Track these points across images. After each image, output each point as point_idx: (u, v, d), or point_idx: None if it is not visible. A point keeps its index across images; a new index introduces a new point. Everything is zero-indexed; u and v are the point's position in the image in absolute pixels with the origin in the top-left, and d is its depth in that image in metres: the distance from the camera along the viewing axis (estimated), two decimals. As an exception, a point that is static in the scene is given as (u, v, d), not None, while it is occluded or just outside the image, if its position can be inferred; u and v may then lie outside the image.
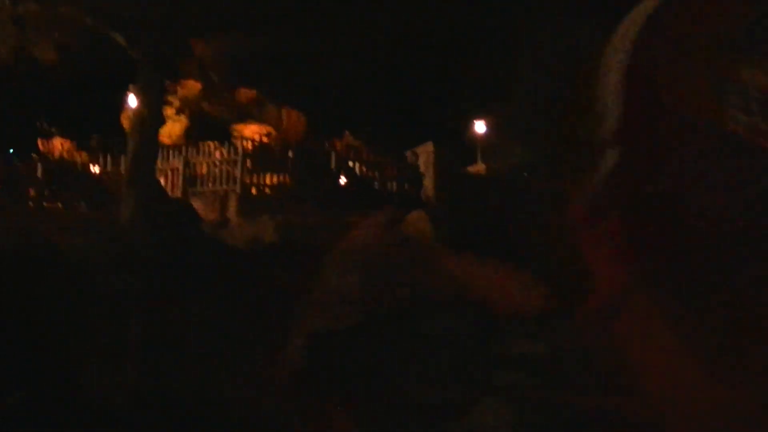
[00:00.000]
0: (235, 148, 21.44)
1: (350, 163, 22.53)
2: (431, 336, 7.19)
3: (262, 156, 22.02)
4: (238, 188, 20.24)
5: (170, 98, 24.83)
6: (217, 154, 21.66)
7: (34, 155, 24.64)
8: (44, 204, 20.25)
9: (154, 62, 15.03)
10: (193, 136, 24.12)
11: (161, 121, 16.71)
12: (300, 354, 7.41)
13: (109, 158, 23.45)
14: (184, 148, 22.28)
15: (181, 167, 21.25)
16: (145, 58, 14.94)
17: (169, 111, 24.51)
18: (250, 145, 22.32)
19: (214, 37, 24.46)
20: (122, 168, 18.47)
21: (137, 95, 15.90)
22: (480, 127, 25.12)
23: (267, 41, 23.41)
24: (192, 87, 26.12)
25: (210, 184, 20.90)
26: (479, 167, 23.85)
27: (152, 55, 15.02)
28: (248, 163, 21.09)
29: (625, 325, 1.09)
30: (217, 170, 21.08)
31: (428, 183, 21.69)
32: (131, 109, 19.38)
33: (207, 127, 24.62)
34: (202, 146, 22.11)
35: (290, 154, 22.23)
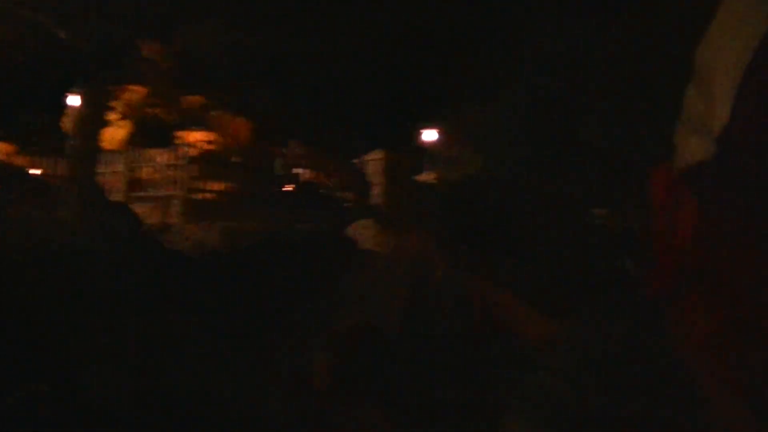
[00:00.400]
0: (179, 152, 21.06)
1: (296, 170, 22.28)
2: (450, 339, 7.11)
3: (206, 161, 21.67)
4: (181, 193, 19.86)
5: (114, 103, 24.40)
6: (160, 159, 21.26)
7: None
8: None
9: (97, 61, 14.67)
10: (136, 142, 23.68)
11: (102, 122, 16.35)
12: (323, 355, 7.18)
13: (50, 161, 22.96)
14: (126, 152, 21.85)
15: (123, 171, 20.82)
16: (88, 56, 14.58)
17: (113, 116, 24.11)
18: (194, 150, 21.94)
19: (161, 38, 24.13)
20: (62, 170, 18.04)
21: (79, 96, 15.51)
22: (429, 135, 24.91)
23: (214, 46, 23.10)
24: (137, 92, 25.67)
25: (153, 189, 20.48)
26: (428, 176, 23.66)
27: (96, 54, 14.66)
28: (192, 167, 20.73)
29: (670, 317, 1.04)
30: (160, 175, 20.68)
31: (377, 191, 21.49)
32: (73, 109, 18.95)
33: (151, 132, 24.18)
34: (145, 150, 21.72)
35: (235, 159, 21.90)
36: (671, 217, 1.01)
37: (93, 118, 14.72)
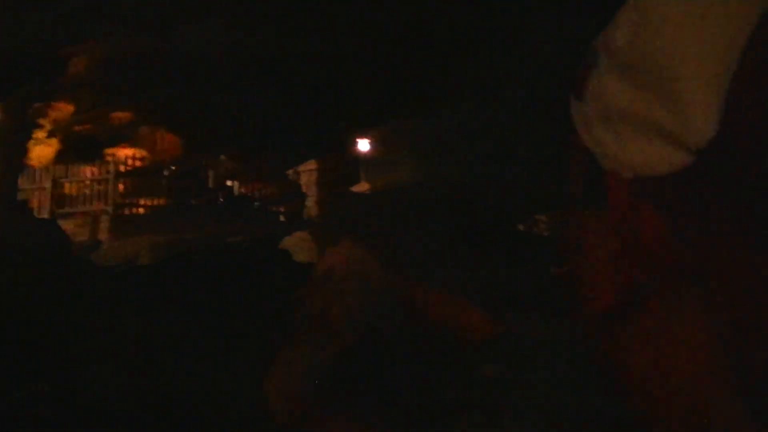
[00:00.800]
0: (107, 166, 20.62)
1: (229, 183, 21.93)
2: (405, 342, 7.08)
3: (136, 175, 21.25)
4: (110, 208, 19.40)
5: (41, 121, 23.94)
6: (88, 173, 20.79)
7: None
8: None
9: (19, 72, 14.26)
10: (65, 160, 23.17)
11: (25, 135, 15.91)
12: (301, 376, 7.20)
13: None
14: (53, 167, 21.34)
15: (49, 187, 20.32)
16: (10, 67, 14.16)
17: (40, 134, 23.66)
18: (122, 165, 21.47)
19: (85, 50, 23.71)
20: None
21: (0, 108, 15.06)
22: (363, 145, 24.63)
23: (140, 57, 22.73)
24: (64, 109, 25.19)
25: (80, 204, 19.99)
26: (363, 186, 23.41)
27: (18, 65, 14.25)
28: (121, 181, 20.30)
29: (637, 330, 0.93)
30: (87, 190, 20.21)
31: (311, 202, 21.23)
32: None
33: (80, 150, 23.68)
34: (72, 166, 21.22)
35: (166, 174, 21.51)
36: (632, 231, 0.94)
37: (14, 131, 14.25)
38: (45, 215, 19.16)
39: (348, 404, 6.02)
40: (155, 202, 20.40)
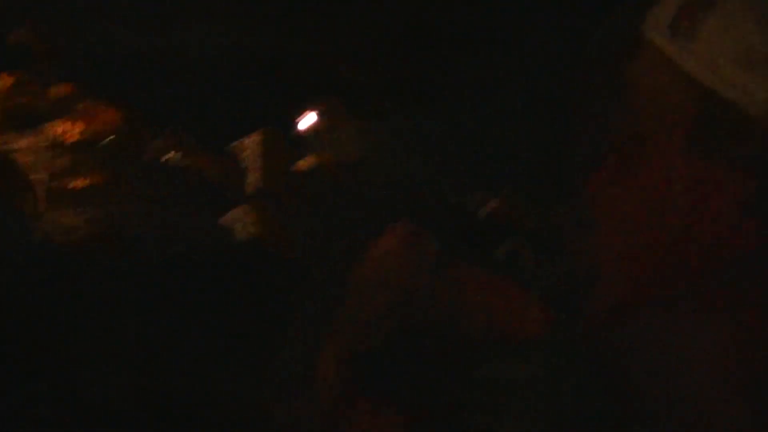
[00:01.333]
0: (45, 137, 20.21)
1: (172, 157, 21.64)
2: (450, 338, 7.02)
3: (75, 146, 20.87)
4: (47, 179, 18.97)
5: (-22, 92, 23.60)
6: (24, 143, 20.39)
7: None
8: None
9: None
10: (1, 130, 22.90)
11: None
12: (338, 373, 7.20)
13: None
14: (-14, 135, 20.94)
15: (-17, 156, 19.90)
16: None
17: (-23, 105, 23.31)
18: (61, 137, 21.10)
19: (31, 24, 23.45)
20: None
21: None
22: (312, 117, 24.53)
23: (80, 29, 22.45)
24: (3, 80, 24.85)
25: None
26: (310, 160, 23.28)
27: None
28: (59, 152, 19.90)
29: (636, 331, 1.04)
30: (25, 159, 19.79)
31: (256, 175, 20.96)
32: None
33: (19, 122, 23.37)
34: (7, 134, 20.83)
35: (106, 147, 21.15)
36: (636, 231, 0.98)
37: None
38: (-22, 185, 18.76)
39: (349, 404, 6.06)
40: (94, 174, 20.02)
